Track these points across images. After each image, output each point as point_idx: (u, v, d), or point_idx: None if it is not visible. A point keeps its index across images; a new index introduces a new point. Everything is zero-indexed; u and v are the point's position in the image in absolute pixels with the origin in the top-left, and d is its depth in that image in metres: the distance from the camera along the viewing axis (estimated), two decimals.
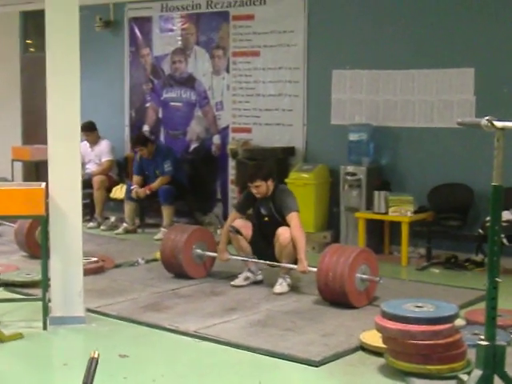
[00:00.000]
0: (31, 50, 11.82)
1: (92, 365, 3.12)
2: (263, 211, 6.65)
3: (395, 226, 7.94)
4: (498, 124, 3.60)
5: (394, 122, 8.25)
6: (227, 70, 9.51)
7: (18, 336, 5.19)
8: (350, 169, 8.15)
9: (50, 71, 5.49)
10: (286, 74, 8.97)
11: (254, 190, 6.58)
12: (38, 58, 10.17)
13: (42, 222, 5.47)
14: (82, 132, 9.51)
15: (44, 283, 5.46)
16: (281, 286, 6.46)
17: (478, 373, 3.69)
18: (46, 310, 5.41)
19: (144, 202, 9.41)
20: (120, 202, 9.55)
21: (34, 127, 11.20)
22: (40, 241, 5.78)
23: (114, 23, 10.47)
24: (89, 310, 5.70)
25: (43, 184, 5.49)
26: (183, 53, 9.92)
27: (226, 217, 9.08)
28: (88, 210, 9.53)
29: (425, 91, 8.05)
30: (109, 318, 5.74)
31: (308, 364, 4.77)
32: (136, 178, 9.37)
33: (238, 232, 6.63)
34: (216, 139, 9.67)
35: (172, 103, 10.08)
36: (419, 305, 4.67)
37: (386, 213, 7.80)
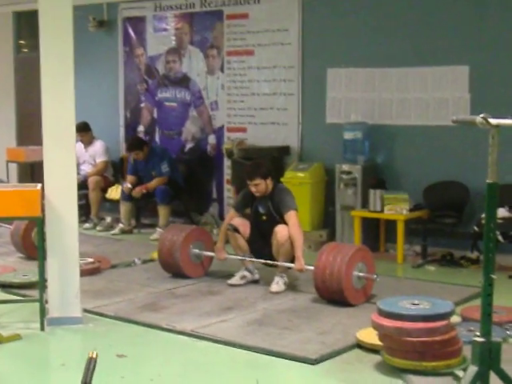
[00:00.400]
0: (24, 50, 11.81)
1: (91, 365, 3.13)
2: (261, 210, 6.66)
3: (391, 224, 7.95)
4: (493, 121, 3.60)
5: (389, 120, 8.26)
6: (222, 70, 9.51)
7: (16, 337, 5.19)
8: (346, 167, 8.16)
9: (44, 72, 5.48)
10: (281, 72, 8.97)
11: (253, 189, 6.59)
12: (31, 58, 10.20)
13: (38, 224, 5.47)
14: (76, 133, 9.57)
15: (41, 284, 5.46)
16: (277, 284, 6.47)
17: (473, 369, 3.70)
18: (43, 311, 5.41)
19: (140, 203, 9.41)
20: (116, 202, 9.55)
21: (29, 128, 11.19)
22: (36, 242, 5.80)
23: (107, 23, 10.46)
24: (86, 311, 5.71)
25: (39, 185, 5.48)
26: (177, 52, 9.92)
27: (221, 216, 9.11)
28: (84, 211, 9.52)
29: (420, 89, 8.06)
30: (106, 319, 5.75)
31: (305, 362, 4.78)
32: (129, 178, 9.36)
33: (235, 230, 6.64)
34: (211, 139, 9.67)
35: (167, 103, 10.08)
36: (415, 302, 4.69)
37: (382, 211, 7.81)
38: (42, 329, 5.39)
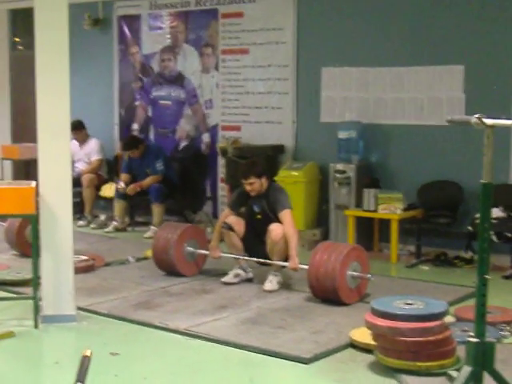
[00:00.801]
0: (20, 47, 11.78)
1: (85, 363, 3.12)
2: (256, 209, 6.66)
3: (385, 223, 7.96)
4: (488, 121, 3.61)
5: (383, 120, 8.27)
6: (216, 68, 9.51)
7: (10, 335, 5.18)
8: (340, 166, 8.17)
9: (40, 69, 5.47)
10: (276, 71, 8.97)
11: (247, 187, 6.59)
12: (26, 55, 10.17)
13: (32, 221, 5.46)
14: (70, 131, 9.56)
15: (35, 282, 5.45)
16: (271, 283, 6.47)
17: (467, 369, 3.70)
18: (36, 309, 5.40)
19: (134, 201, 9.40)
20: (110, 200, 9.54)
21: (24, 125, 11.16)
22: (30, 239, 5.77)
23: (102, 21, 10.44)
24: (80, 309, 5.69)
25: (33, 183, 5.47)
26: (172, 51, 9.91)
27: (215, 215, 9.11)
28: (78, 209, 9.50)
29: (414, 88, 8.07)
30: (99, 316, 5.73)
31: (298, 361, 4.78)
32: (124, 176, 9.35)
33: (230, 228, 6.64)
34: (205, 137, 9.67)
35: (161, 101, 10.06)
36: (409, 302, 4.70)
37: (376, 210, 7.82)
38: (36, 326, 5.38)
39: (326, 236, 8.38)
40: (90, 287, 6.47)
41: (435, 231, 7.78)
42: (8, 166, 11.19)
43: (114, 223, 9.35)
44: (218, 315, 5.73)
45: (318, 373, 4.68)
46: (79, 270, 6.46)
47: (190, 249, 6.93)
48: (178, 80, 9.88)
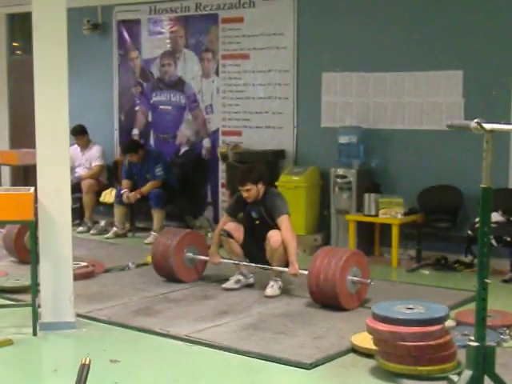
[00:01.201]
0: (18, 52, 11.78)
1: (83, 371, 3.10)
2: (254, 214, 6.64)
3: (385, 227, 7.95)
4: (487, 126, 3.61)
5: (383, 125, 8.26)
6: (217, 73, 9.50)
7: (8, 342, 5.15)
8: (341, 171, 8.16)
9: (38, 75, 5.45)
10: (276, 76, 8.96)
11: (244, 194, 6.57)
12: (24, 61, 10.17)
13: (30, 227, 5.45)
14: (72, 136, 9.57)
15: (34, 289, 5.42)
16: (272, 288, 6.45)
17: (468, 373, 3.70)
18: (35, 316, 5.37)
19: (134, 206, 9.39)
20: (110, 206, 9.52)
21: (22, 131, 11.14)
22: (29, 246, 5.76)
23: (102, 26, 10.43)
24: (79, 315, 5.67)
25: (32, 189, 5.45)
26: (172, 56, 9.90)
27: (216, 220, 9.08)
28: (77, 215, 9.50)
29: (414, 93, 8.06)
30: (99, 323, 5.71)
31: (300, 367, 4.77)
32: (125, 182, 9.34)
33: (229, 235, 6.62)
34: (206, 142, 9.65)
35: (161, 107, 10.05)
36: (410, 306, 4.68)
37: (377, 215, 7.81)
38: (35, 334, 5.35)
39: (327, 241, 8.37)
40: (89, 294, 6.44)
41: (435, 235, 7.78)
42: (6, 171, 11.18)
43: (114, 229, 9.33)
44: (218, 321, 5.71)
45: (320, 378, 4.67)
46: (79, 276, 6.44)
47: (190, 255, 6.91)
48: (178, 85, 9.87)
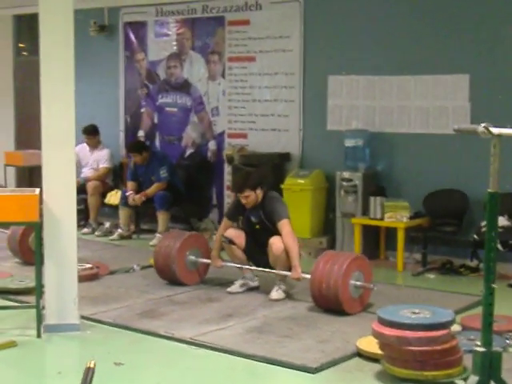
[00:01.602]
0: (24, 53, 11.79)
1: (88, 375, 3.08)
2: (254, 219, 6.61)
3: (391, 231, 7.93)
4: (495, 131, 3.59)
5: (389, 128, 8.24)
6: (223, 76, 9.49)
7: (12, 344, 5.14)
8: (346, 174, 8.14)
9: (45, 76, 5.45)
10: (282, 79, 8.95)
11: (243, 201, 6.52)
12: (31, 61, 10.18)
13: (35, 229, 5.43)
14: (83, 134, 9.63)
15: (38, 290, 5.41)
16: (277, 292, 6.43)
17: (474, 379, 3.69)
18: (40, 318, 5.36)
19: (139, 208, 9.38)
20: (115, 207, 9.51)
21: (28, 132, 11.16)
22: (34, 247, 5.73)
23: (108, 28, 10.44)
24: (83, 318, 5.65)
25: (37, 190, 5.44)
26: (178, 58, 9.90)
27: (221, 223, 9.05)
28: (82, 216, 9.49)
29: (420, 97, 8.04)
30: (104, 326, 5.70)
31: (305, 371, 4.75)
32: (130, 184, 9.33)
33: (231, 242, 6.61)
34: (212, 145, 9.65)
35: (167, 108, 10.05)
36: (416, 311, 4.65)
37: (382, 218, 7.79)
38: (39, 336, 5.34)
39: (332, 244, 8.35)
40: (94, 296, 6.43)
41: (441, 239, 7.75)
42: (11, 172, 11.18)
43: (119, 231, 9.33)
44: (223, 324, 5.69)
45: (324, 382, 4.66)
46: (83, 278, 6.43)
47: (192, 258, 6.89)
48: (184, 87, 9.87)
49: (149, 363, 4.93)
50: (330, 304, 5.94)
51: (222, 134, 9.55)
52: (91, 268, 7.13)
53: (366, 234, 8.00)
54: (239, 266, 6.67)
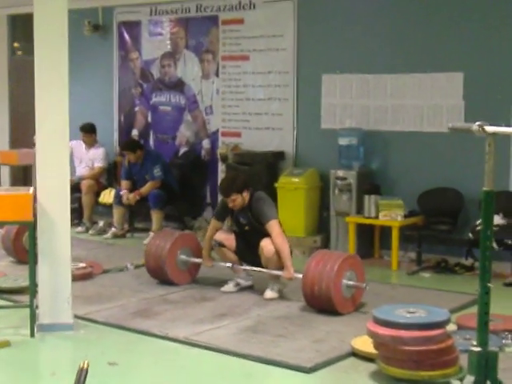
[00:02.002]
0: (19, 53, 11.75)
1: (81, 376, 3.05)
2: (242, 220, 6.58)
3: (385, 230, 7.92)
4: (490, 129, 3.59)
5: (384, 127, 8.23)
6: (217, 74, 9.47)
7: (5, 344, 5.11)
8: (341, 173, 8.13)
9: (39, 75, 5.44)
10: (276, 78, 8.94)
11: (230, 204, 6.49)
12: (25, 61, 10.15)
13: (29, 228, 5.41)
14: (80, 132, 9.61)
15: (31, 289, 5.39)
16: (271, 291, 6.42)
17: (470, 379, 3.68)
18: (33, 317, 5.33)
19: (133, 207, 9.36)
20: (109, 206, 9.49)
21: (22, 131, 11.12)
22: (27, 246, 5.71)
23: (102, 27, 10.41)
24: (77, 317, 5.63)
25: (31, 189, 5.42)
26: (172, 57, 9.88)
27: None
28: (76, 215, 9.47)
29: (414, 96, 8.04)
30: (97, 325, 5.67)
31: (299, 370, 4.73)
32: (124, 183, 9.31)
33: (220, 245, 6.60)
34: (206, 143, 9.63)
35: (161, 107, 10.03)
36: (411, 310, 4.64)
37: (377, 217, 7.78)
38: (32, 335, 5.31)
39: (326, 243, 8.34)
40: (87, 295, 6.40)
41: (436, 238, 7.74)
42: (6, 171, 11.15)
43: (113, 230, 9.30)
44: (217, 323, 5.67)
45: (319, 382, 4.65)
46: (77, 277, 6.42)
47: (183, 257, 6.86)
48: (178, 86, 9.85)
49: (143, 363, 4.91)
50: (322, 304, 5.92)
51: (215, 133, 9.53)
52: (85, 267, 7.11)
53: (360, 233, 7.99)
54: (229, 265, 6.65)
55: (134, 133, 10.25)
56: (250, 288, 6.70)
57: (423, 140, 8.01)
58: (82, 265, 7.12)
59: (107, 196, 9.59)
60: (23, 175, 10.71)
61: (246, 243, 6.62)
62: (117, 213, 9.30)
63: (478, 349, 3.67)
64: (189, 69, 9.73)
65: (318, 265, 5.97)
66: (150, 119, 10.16)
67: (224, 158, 9.01)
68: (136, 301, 6.32)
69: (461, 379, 4.17)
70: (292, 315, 5.93)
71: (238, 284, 6.66)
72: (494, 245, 6.72)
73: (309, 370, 4.72)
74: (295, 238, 7.82)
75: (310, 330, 5.51)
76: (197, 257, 6.90)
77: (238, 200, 6.45)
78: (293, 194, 8.29)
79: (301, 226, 8.28)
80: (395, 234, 7.66)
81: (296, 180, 8.39)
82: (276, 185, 8.41)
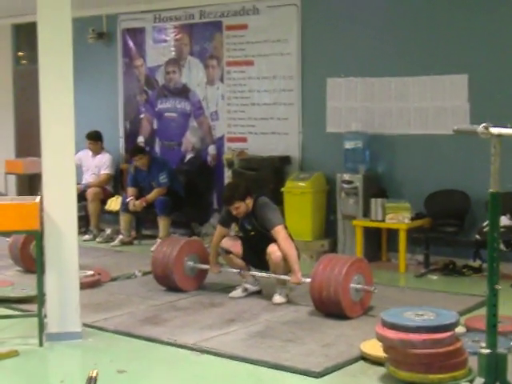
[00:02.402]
0: (23, 62, 11.79)
1: None
2: (247, 226, 6.58)
3: (393, 233, 7.91)
4: (495, 131, 3.58)
5: (389, 130, 8.23)
6: (221, 80, 9.49)
7: (14, 353, 5.10)
8: (347, 177, 8.13)
9: (43, 84, 5.44)
10: (281, 82, 8.95)
11: (233, 212, 6.49)
12: (30, 70, 10.16)
13: (36, 237, 5.41)
14: (86, 139, 9.62)
15: (40, 298, 5.39)
16: (279, 296, 6.42)
17: (480, 381, 3.67)
18: (41, 326, 5.33)
19: (140, 214, 9.37)
20: (115, 213, 9.50)
21: (28, 140, 11.15)
22: (35, 255, 5.72)
23: (107, 34, 10.44)
24: (85, 325, 5.63)
25: (38, 198, 5.43)
26: (177, 63, 9.90)
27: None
28: (83, 223, 9.48)
29: (419, 98, 8.03)
30: (106, 333, 5.67)
31: (308, 375, 4.72)
32: (131, 190, 9.32)
33: (227, 252, 6.60)
34: (211, 149, 9.64)
35: (167, 114, 10.05)
36: (420, 313, 4.63)
37: (383, 220, 7.77)
38: (41, 344, 5.31)
39: (334, 246, 8.34)
40: (95, 303, 6.41)
41: (443, 240, 7.74)
42: (12, 180, 11.17)
43: (120, 237, 9.32)
44: (226, 329, 5.67)
45: None
46: (85, 285, 6.41)
47: (191, 263, 6.86)
48: (183, 92, 9.86)
49: (152, 370, 4.90)
50: (331, 308, 5.91)
51: (221, 139, 9.54)
52: (93, 275, 7.12)
53: (367, 236, 7.98)
54: (237, 270, 6.65)
55: (140, 140, 10.27)
56: (257, 293, 6.70)
57: (429, 142, 8.00)
58: (90, 273, 7.12)
59: (114, 203, 9.60)
60: (29, 184, 10.72)
61: (252, 248, 6.61)
62: (124, 220, 9.31)
63: (487, 351, 3.66)
64: (194, 75, 9.74)
65: (326, 269, 5.97)
66: (155, 126, 10.17)
67: (230, 164, 9.02)
68: (144, 308, 6.32)
69: (470, 381, 4.16)
70: (300, 320, 5.93)
71: (245, 289, 6.66)
72: (502, 246, 6.72)
73: (318, 375, 4.70)
74: (302, 243, 7.81)
75: (318, 335, 5.50)
76: (204, 263, 6.90)
77: (242, 207, 6.45)
78: (299, 198, 8.29)
79: (308, 230, 8.28)
80: (402, 237, 7.65)
81: (302, 184, 8.39)
82: (282, 189, 8.42)
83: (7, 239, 8.01)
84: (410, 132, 8.12)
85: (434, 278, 7.48)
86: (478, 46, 7.66)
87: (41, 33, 5.43)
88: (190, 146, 9.85)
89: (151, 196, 9.12)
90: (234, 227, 7.00)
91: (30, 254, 7.42)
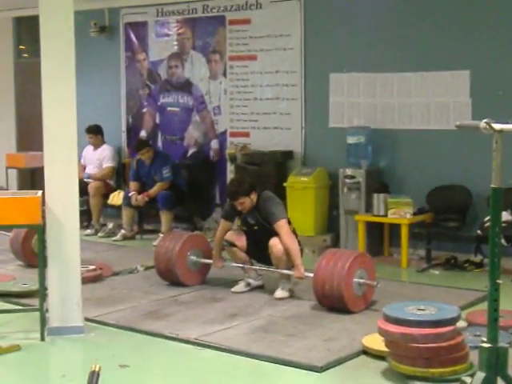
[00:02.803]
0: (25, 55, 11.78)
1: (93, 379, 3.07)
2: (251, 221, 6.57)
3: (395, 228, 7.91)
4: (497, 126, 3.58)
5: (391, 125, 8.22)
6: (224, 75, 9.48)
7: (15, 348, 5.11)
8: (349, 172, 8.13)
9: (46, 77, 5.44)
10: (283, 77, 8.94)
11: (238, 207, 6.49)
12: (31, 63, 10.18)
13: (38, 231, 5.42)
14: (86, 133, 9.62)
15: (41, 293, 5.39)
16: (282, 290, 6.42)
17: (481, 375, 3.68)
18: (43, 321, 5.33)
19: (142, 208, 9.37)
20: (118, 208, 9.50)
21: (29, 134, 11.15)
22: (36, 249, 5.72)
23: (109, 28, 10.43)
24: (87, 320, 5.63)
25: (39, 192, 5.43)
26: (179, 57, 9.89)
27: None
28: (85, 217, 9.48)
29: (422, 94, 8.03)
30: (108, 327, 5.68)
31: (311, 369, 4.73)
32: (133, 184, 9.32)
33: (232, 245, 6.60)
34: (214, 144, 9.63)
35: (169, 108, 10.04)
36: (421, 307, 4.64)
37: (386, 215, 7.77)
38: (43, 339, 5.31)
39: (336, 241, 8.34)
40: (97, 297, 6.41)
41: (445, 235, 7.74)
42: (13, 174, 11.16)
43: (123, 231, 9.31)
44: (228, 324, 5.68)
45: (331, 381, 4.65)
46: (87, 279, 6.43)
47: (194, 258, 6.86)
48: (185, 87, 9.85)
49: (154, 365, 4.91)
50: (333, 303, 5.92)
51: (224, 133, 9.53)
52: (94, 269, 7.12)
53: (369, 231, 7.98)
54: (240, 265, 6.65)
55: (143, 134, 10.26)
56: (260, 288, 6.70)
57: (431, 138, 8.00)
58: (92, 267, 7.12)
59: (116, 198, 9.59)
60: (31, 178, 10.72)
61: (255, 243, 6.61)
62: (126, 214, 9.31)
63: (489, 345, 3.67)
64: (196, 69, 9.74)
65: (329, 263, 5.97)
66: (158, 120, 10.17)
67: (233, 159, 9.01)
68: (146, 302, 6.33)
69: (471, 376, 4.17)
70: (302, 314, 5.93)
71: (248, 284, 6.66)
72: (503, 241, 6.71)
73: (320, 369, 4.72)
74: (305, 238, 7.80)
75: (320, 329, 5.51)
76: (207, 258, 6.90)
77: (247, 203, 6.45)
78: (302, 193, 8.29)
79: (310, 225, 8.28)
80: (404, 232, 7.65)
81: (305, 179, 8.39)
82: (285, 184, 8.41)
83: (8, 234, 8.00)
84: (413, 127, 8.12)
85: (436, 272, 7.48)
86: (480, 41, 7.65)
87: (43, 26, 5.43)
88: (192, 141, 9.84)
89: (154, 190, 9.12)
90: (237, 221, 7.00)
91: (32, 249, 7.42)
